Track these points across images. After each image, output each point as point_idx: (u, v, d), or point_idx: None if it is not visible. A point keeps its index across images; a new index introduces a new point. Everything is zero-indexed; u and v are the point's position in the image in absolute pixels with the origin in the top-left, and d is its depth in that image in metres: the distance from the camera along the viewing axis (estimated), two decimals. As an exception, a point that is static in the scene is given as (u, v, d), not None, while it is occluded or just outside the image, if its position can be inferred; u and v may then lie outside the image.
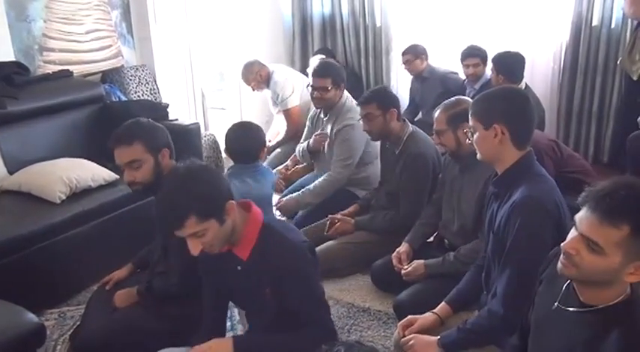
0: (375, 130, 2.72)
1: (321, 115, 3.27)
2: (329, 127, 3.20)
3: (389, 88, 2.79)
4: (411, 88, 4.36)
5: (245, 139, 2.25)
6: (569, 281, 1.28)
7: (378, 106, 2.66)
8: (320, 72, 3.11)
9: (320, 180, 3.15)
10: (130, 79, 3.77)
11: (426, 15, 4.49)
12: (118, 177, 2.81)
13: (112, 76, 3.75)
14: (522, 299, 1.54)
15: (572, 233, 1.21)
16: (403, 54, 4.17)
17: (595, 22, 3.94)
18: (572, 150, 4.01)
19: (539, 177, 1.78)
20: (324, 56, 4.21)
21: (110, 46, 3.80)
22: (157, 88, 3.94)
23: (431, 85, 4.14)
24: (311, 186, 3.16)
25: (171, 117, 3.60)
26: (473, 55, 3.76)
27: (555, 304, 1.30)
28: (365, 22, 4.70)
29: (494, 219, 1.80)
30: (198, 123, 3.56)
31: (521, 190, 1.70)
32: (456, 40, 4.22)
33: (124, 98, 3.64)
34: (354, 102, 3.08)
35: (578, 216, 1.19)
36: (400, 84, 4.78)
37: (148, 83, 3.88)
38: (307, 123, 3.52)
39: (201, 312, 2.00)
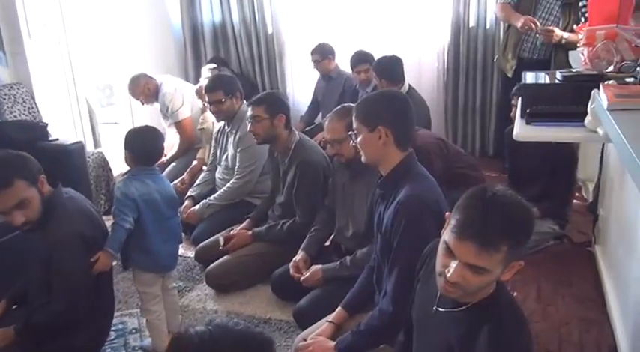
0: (261, 133, 2.71)
1: (226, 128, 3.24)
2: (232, 138, 3.17)
3: (281, 94, 2.81)
4: (315, 87, 4.38)
5: (147, 141, 2.18)
6: None
7: (267, 110, 2.65)
8: (209, 87, 3.14)
9: (224, 188, 3.14)
10: (4, 99, 3.49)
11: (315, 21, 4.55)
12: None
13: (-18, 96, 3.45)
14: (410, 296, 1.58)
15: (452, 262, 1.20)
16: (311, 54, 4.18)
17: (472, 24, 4.17)
18: (461, 146, 4.26)
19: (421, 176, 1.83)
20: (215, 65, 4.13)
21: (-21, 63, 3.51)
22: (36, 107, 3.68)
23: (335, 85, 4.19)
24: (216, 194, 3.16)
25: (55, 136, 3.39)
26: (363, 61, 3.84)
27: (434, 307, 1.35)
28: (256, 29, 4.69)
29: (382, 220, 1.84)
30: (80, 141, 3.37)
31: (405, 190, 1.75)
32: (345, 44, 4.29)
33: (-3, 119, 3.36)
34: None
35: (453, 246, 1.19)
36: (296, 89, 4.81)
37: (25, 102, 3.61)
38: (212, 142, 3.45)
39: (86, 341, 1.89)
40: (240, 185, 3.11)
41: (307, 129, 4.22)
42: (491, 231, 1.16)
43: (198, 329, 0.98)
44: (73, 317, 1.87)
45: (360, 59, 3.86)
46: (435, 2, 4.23)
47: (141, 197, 2.10)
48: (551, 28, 3.25)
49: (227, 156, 3.24)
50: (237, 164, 3.12)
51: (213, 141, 3.45)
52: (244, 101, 3.19)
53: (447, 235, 1.22)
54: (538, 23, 3.27)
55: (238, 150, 3.11)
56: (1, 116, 3.43)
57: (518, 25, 3.29)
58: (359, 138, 1.82)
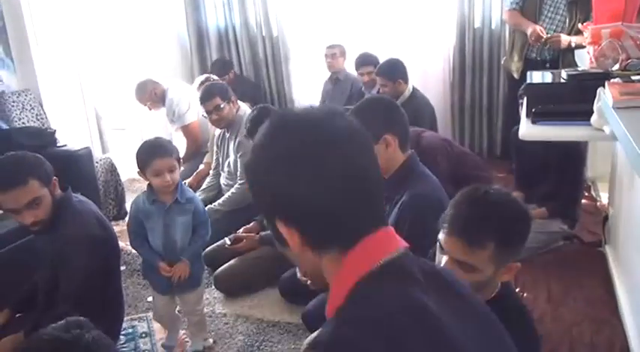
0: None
1: (226, 134, 3.25)
2: (232, 144, 3.18)
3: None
4: (322, 91, 4.38)
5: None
6: None
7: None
8: (205, 96, 3.15)
9: (229, 193, 3.14)
10: (12, 106, 3.52)
11: (321, 23, 4.55)
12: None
13: (-9, 104, 3.49)
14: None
15: (443, 257, 1.24)
16: (329, 47, 4.16)
17: (477, 24, 4.16)
18: (468, 146, 4.24)
19: (424, 176, 1.84)
20: (207, 75, 4.07)
21: (-14, 71, 3.54)
22: (44, 113, 3.71)
23: (342, 88, 4.19)
24: (221, 200, 3.15)
25: (62, 142, 3.42)
26: (367, 63, 3.85)
27: None
28: (261, 32, 4.69)
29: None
30: (88, 147, 3.39)
31: (409, 191, 1.75)
32: (351, 47, 4.28)
33: (5, 127, 3.39)
34: None
35: (443, 241, 1.24)
36: (300, 92, 4.80)
37: (33, 109, 3.64)
38: (214, 148, 3.46)
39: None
40: (244, 190, 3.08)
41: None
42: (476, 228, 1.18)
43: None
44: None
45: (365, 61, 3.87)
46: (440, 3, 4.22)
47: None
48: (556, 35, 3.23)
49: (229, 162, 3.24)
50: (240, 169, 3.12)
51: (215, 147, 3.46)
52: (242, 104, 3.21)
53: (441, 233, 1.26)
54: (545, 34, 3.23)
55: (239, 155, 3.11)
56: (9, 123, 3.46)
57: (528, 33, 3.26)
58: None
